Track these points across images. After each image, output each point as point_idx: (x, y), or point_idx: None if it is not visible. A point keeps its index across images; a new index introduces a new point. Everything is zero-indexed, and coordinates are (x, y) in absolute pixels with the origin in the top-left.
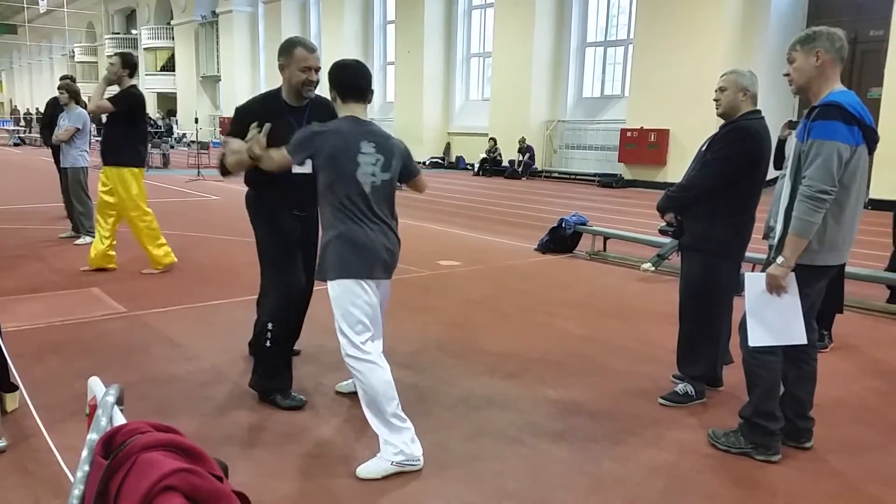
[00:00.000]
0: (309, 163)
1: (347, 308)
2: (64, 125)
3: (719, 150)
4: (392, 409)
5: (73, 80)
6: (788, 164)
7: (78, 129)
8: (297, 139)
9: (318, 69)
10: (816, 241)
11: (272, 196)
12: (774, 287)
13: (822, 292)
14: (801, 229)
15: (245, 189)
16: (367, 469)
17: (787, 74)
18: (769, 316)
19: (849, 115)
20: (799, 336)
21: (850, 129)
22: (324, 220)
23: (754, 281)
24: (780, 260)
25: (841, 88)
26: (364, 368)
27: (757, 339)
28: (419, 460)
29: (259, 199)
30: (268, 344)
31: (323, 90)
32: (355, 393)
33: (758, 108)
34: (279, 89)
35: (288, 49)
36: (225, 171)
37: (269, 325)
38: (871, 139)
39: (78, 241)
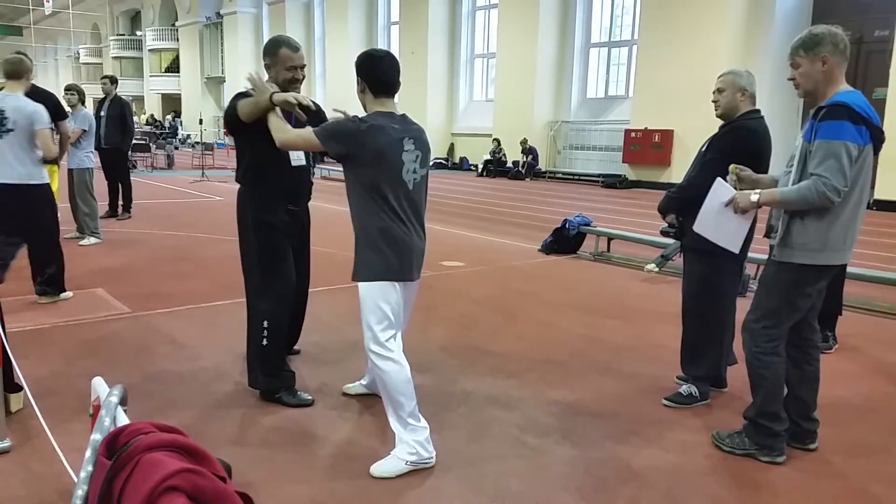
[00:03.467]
0: (301, 154)
1: (377, 303)
2: (70, 126)
3: (719, 150)
4: (409, 408)
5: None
6: (794, 163)
7: (84, 131)
8: (338, 130)
9: (302, 67)
10: (817, 239)
11: (267, 190)
12: (738, 208)
13: (823, 292)
14: (790, 200)
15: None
16: (382, 468)
17: (792, 79)
18: (721, 219)
19: (856, 114)
20: (735, 247)
21: (858, 128)
22: (360, 217)
23: (723, 190)
24: (755, 197)
25: (847, 88)
26: (386, 366)
27: (701, 227)
28: (432, 460)
29: (253, 194)
30: (264, 342)
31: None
32: (362, 395)
33: (757, 107)
34: None
35: (273, 49)
36: (237, 122)
37: (265, 324)
38: (877, 139)
39: (83, 242)
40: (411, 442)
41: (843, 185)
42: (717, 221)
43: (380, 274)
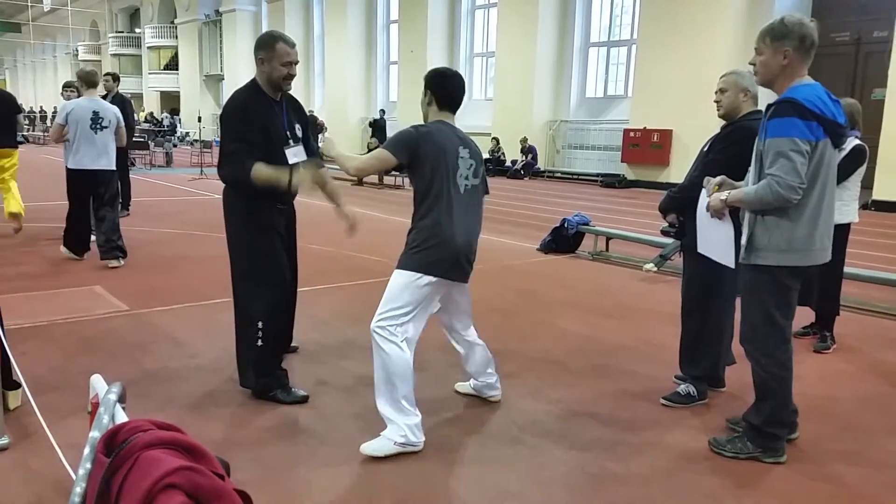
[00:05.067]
0: (300, 150)
1: (401, 292)
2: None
3: (721, 150)
4: (404, 391)
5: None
6: (751, 165)
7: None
8: (401, 140)
9: (296, 63)
10: (783, 240)
11: (260, 190)
12: (713, 211)
13: (795, 290)
14: (750, 201)
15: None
16: (371, 447)
17: (753, 64)
18: (712, 234)
19: (805, 110)
20: (729, 261)
21: (808, 124)
22: (416, 215)
23: (703, 200)
24: (724, 195)
25: (804, 82)
26: (388, 347)
27: (702, 248)
28: (420, 444)
29: (244, 194)
30: (259, 343)
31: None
32: (473, 396)
33: (759, 108)
34: (255, 81)
35: (269, 44)
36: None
37: (260, 324)
38: (834, 134)
39: None
40: (402, 425)
41: (799, 182)
42: (707, 233)
43: (414, 266)
